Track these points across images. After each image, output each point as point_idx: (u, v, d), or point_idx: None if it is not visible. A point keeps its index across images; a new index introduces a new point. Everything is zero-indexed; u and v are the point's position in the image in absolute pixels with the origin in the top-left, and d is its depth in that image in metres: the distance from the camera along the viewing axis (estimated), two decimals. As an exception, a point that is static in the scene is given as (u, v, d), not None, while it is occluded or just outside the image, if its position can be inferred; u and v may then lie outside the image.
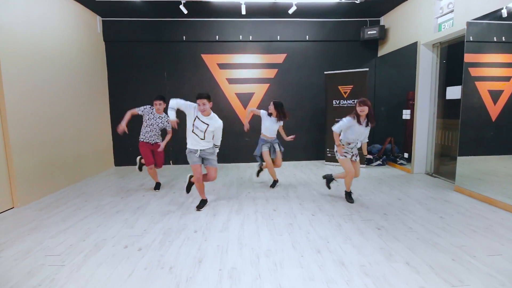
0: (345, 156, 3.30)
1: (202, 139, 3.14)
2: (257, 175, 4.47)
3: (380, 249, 2.28)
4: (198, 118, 3.08)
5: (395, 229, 2.66)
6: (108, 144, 5.73)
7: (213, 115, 3.16)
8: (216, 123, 3.14)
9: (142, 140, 3.88)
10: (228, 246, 2.38)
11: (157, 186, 4.12)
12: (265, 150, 3.95)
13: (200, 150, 3.19)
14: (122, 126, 3.65)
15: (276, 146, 4.01)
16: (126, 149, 5.81)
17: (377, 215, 3.01)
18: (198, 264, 2.12)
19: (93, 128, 5.16)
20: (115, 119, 5.79)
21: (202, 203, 3.34)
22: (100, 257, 2.26)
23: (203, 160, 3.27)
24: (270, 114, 3.93)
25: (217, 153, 3.39)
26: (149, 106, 3.86)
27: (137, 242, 2.50)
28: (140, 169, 4.17)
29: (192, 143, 3.18)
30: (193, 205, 3.43)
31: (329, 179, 3.68)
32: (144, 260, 2.19)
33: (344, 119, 3.21)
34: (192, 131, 3.12)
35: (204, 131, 3.10)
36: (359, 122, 3.15)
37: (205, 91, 3.19)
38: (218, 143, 3.34)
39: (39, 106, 3.86)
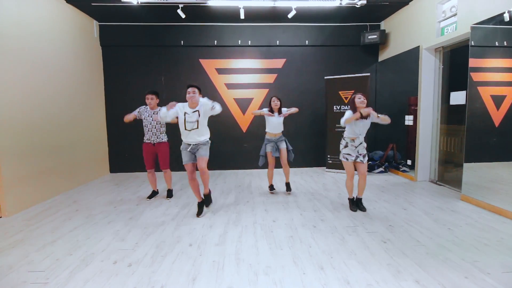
0: (347, 159, 3.23)
1: (196, 128, 3.06)
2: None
3: (387, 266, 2.13)
4: (187, 113, 3.05)
5: (402, 242, 2.51)
6: (103, 150, 5.58)
7: (200, 100, 3.07)
8: (202, 103, 3.05)
9: (144, 141, 3.80)
10: (225, 262, 2.23)
11: (152, 195, 3.97)
12: (268, 150, 3.89)
13: (193, 144, 3.12)
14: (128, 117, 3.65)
15: (281, 144, 3.88)
16: (122, 156, 5.67)
17: (382, 226, 2.86)
18: (191, 283, 1.97)
19: (88, 134, 5.02)
20: (111, 125, 5.67)
21: (200, 207, 3.28)
22: (86, 274, 2.10)
23: (195, 156, 3.18)
24: (271, 111, 3.86)
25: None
26: (144, 106, 3.79)
27: (128, 256, 2.34)
28: (149, 197, 3.96)
29: (186, 139, 3.13)
30: (189, 215, 3.28)
31: (352, 202, 3.42)
32: (134, 278, 2.04)
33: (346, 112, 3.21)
34: (185, 129, 3.07)
35: (197, 120, 3.04)
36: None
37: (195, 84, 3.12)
38: (216, 108, 3.05)
39: (31, 111, 3.72)
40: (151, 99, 3.70)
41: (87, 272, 2.13)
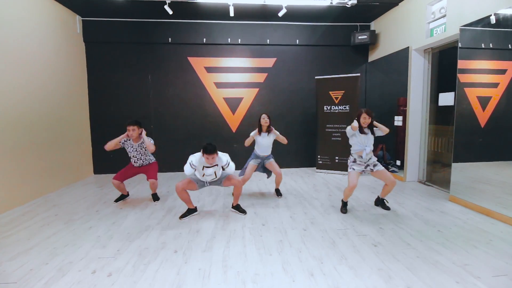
0: (353, 169, 3.18)
1: (214, 178, 3.16)
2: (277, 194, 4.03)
3: (378, 271, 2.08)
4: (206, 167, 3.03)
5: (393, 245, 2.47)
6: (87, 150, 5.37)
7: (218, 157, 3.02)
8: (221, 160, 3.07)
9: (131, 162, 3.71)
10: (211, 270, 2.13)
11: (120, 198, 3.79)
12: (252, 163, 3.75)
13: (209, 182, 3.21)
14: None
15: (268, 162, 3.78)
16: (107, 156, 5.45)
17: (373, 229, 2.82)
18: (175, 293, 1.86)
19: (70, 133, 4.80)
20: (95, 124, 5.46)
21: (190, 212, 3.26)
22: (62, 285, 1.96)
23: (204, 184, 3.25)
24: (260, 131, 3.66)
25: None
26: (127, 138, 3.55)
27: (108, 265, 2.21)
28: (116, 200, 3.76)
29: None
30: (176, 219, 3.16)
31: (344, 205, 3.36)
32: (114, 289, 1.91)
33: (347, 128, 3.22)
34: (203, 176, 3.09)
35: (214, 172, 3.08)
36: (362, 131, 3.15)
37: (213, 146, 2.91)
38: (229, 168, 3.19)
39: (9, 110, 3.50)
40: (132, 131, 3.39)
41: (63, 283, 1.99)
